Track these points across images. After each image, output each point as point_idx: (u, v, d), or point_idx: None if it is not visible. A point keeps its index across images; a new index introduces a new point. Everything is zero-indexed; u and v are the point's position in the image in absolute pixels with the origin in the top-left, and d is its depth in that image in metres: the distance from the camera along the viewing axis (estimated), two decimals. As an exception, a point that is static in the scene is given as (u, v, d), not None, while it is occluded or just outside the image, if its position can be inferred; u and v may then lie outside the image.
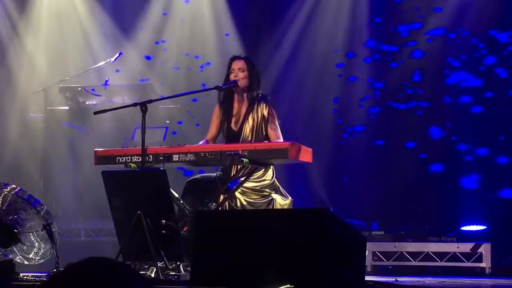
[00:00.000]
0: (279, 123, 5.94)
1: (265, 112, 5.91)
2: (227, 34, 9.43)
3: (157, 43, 9.68)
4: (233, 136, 5.95)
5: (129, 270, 1.46)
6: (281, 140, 5.81)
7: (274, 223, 4.30)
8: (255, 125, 5.91)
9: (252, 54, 8.09)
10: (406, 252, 7.41)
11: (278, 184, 5.89)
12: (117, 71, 9.21)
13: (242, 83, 5.95)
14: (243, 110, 5.99)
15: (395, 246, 7.46)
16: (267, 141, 5.72)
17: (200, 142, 5.98)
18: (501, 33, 8.51)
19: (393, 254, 7.44)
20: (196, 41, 9.59)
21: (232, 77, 5.97)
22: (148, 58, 9.61)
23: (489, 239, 7.31)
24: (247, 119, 5.94)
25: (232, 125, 6.01)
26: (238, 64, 6.00)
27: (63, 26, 9.53)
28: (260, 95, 6.00)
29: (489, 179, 8.36)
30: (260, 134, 5.89)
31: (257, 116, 5.91)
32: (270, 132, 5.89)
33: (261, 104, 5.94)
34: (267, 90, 6.28)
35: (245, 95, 6.00)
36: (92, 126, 8.75)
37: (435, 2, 8.79)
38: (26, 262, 5.72)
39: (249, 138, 5.88)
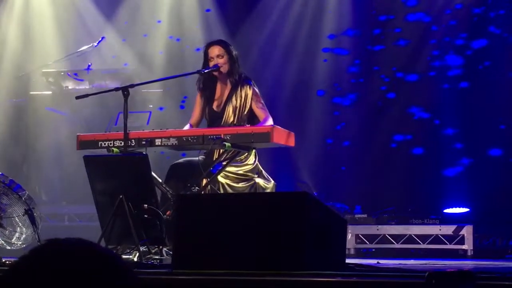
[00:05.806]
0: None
1: (249, 93, 5.91)
2: (208, 10, 9.37)
3: (127, 22, 9.55)
4: (216, 118, 5.95)
5: (111, 252, 1.47)
6: (270, 118, 5.82)
7: (256, 207, 4.32)
8: (238, 106, 5.91)
9: (235, 33, 8.08)
10: (389, 234, 7.44)
11: (261, 168, 5.91)
12: (100, 55, 9.15)
13: (224, 68, 5.93)
14: (226, 92, 5.99)
15: (378, 229, 7.49)
16: (249, 125, 5.73)
17: (185, 127, 5.99)
18: (486, 12, 8.51)
19: (376, 237, 7.47)
20: (179, 24, 9.53)
21: (211, 65, 5.94)
22: (124, 40, 9.51)
23: (471, 222, 7.36)
24: (230, 100, 5.93)
25: (215, 107, 6.00)
26: (215, 51, 5.94)
27: (44, 11, 9.44)
28: (243, 76, 5.99)
29: (472, 162, 8.39)
30: (242, 115, 5.89)
31: (241, 97, 5.91)
32: (258, 111, 5.88)
33: (245, 86, 5.94)
34: (249, 70, 6.26)
35: (227, 79, 5.99)
36: (75, 111, 8.72)
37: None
38: (8, 247, 5.73)
39: (231, 119, 5.88)
